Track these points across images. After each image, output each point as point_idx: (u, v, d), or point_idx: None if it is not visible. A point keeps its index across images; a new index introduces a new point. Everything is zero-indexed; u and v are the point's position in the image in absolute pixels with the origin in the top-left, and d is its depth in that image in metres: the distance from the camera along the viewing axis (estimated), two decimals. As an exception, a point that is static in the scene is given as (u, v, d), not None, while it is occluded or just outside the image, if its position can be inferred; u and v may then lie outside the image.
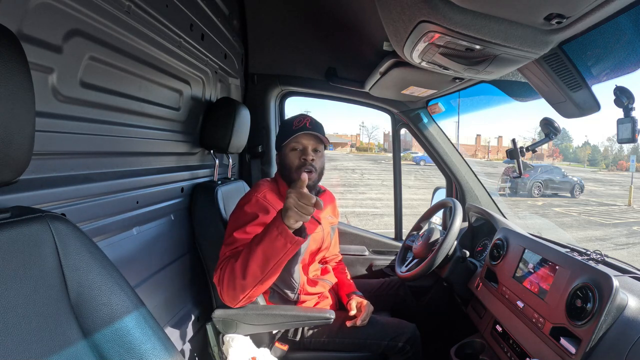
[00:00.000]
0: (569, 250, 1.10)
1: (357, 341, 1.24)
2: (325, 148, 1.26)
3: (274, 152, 1.88)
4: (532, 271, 1.04)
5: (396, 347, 1.23)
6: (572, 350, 0.79)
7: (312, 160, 1.20)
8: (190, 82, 1.27)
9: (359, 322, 1.23)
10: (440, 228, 1.63)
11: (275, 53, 1.76)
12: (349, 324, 1.24)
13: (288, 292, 1.24)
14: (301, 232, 0.94)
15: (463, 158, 1.80)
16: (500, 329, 1.12)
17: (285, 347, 1.24)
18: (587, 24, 0.69)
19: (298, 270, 1.24)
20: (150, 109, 1.05)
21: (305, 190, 0.88)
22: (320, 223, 1.31)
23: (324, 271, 1.44)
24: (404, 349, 1.23)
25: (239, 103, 1.43)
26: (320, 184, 1.43)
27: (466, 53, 0.85)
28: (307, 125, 1.19)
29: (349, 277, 1.48)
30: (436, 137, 1.77)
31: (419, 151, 22.84)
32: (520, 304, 1.02)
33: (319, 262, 1.41)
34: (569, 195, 13.82)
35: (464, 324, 1.41)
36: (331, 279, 1.41)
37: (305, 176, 0.89)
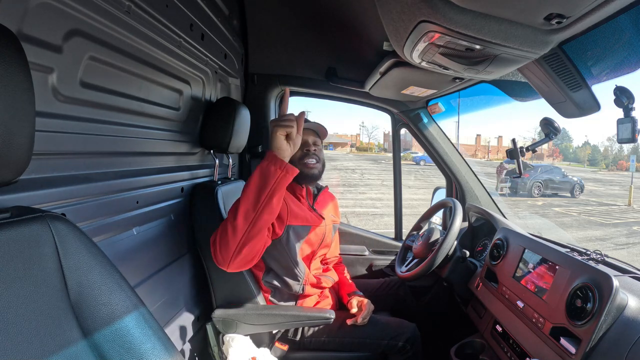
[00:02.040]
0: (569, 250, 1.10)
1: (357, 340, 1.24)
2: (322, 142, 1.30)
3: None
4: (532, 271, 1.04)
5: (396, 347, 1.23)
6: (572, 350, 0.79)
7: (314, 150, 1.24)
8: (190, 82, 1.27)
9: (359, 321, 1.23)
10: (440, 228, 1.62)
11: (275, 53, 1.76)
12: (349, 322, 1.24)
13: (292, 283, 1.23)
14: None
15: (463, 158, 1.80)
16: (500, 329, 1.12)
17: (285, 347, 1.24)
18: (587, 24, 0.69)
19: (301, 261, 1.25)
20: (150, 109, 1.05)
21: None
22: (323, 218, 1.31)
23: (325, 270, 1.45)
24: (404, 349, 1.23)
25: (239, 103, 1.43)
26: (321, 183, 1.43)
27: (466, 53, 0.85)
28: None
29: (349, 277, 1.48)
30: (436, 137, 1.77)
31: (419, 151, 22.86)
32: (520, 303, 1.02)
33: (320, 262, 1.41)
34: (569, 195, 13.83)
35: (464, 324, 1.41)
36: (333, 276, 1.42)
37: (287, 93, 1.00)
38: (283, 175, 0.94)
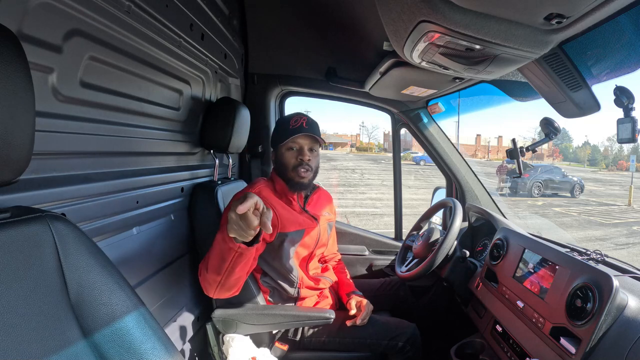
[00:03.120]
0: (569, 250, 1.10)
1: (357, 341, 1.24)
2: (320, 147, 1.29)
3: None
4: (532, 271, 1.04)
5: (396, 347, 1.23)
6: (572, 350, 0.79)
7: (309, 160, 1.23)
8: (190, 82, 1.27)
9: (358, 322, 1.23)
10: (440, 228, 1.62)
11: (275, 53, 1.76)
12: (349, 323, 1.24)
13: (287, 287, 1.24)
14: (255, 239, 0.85)
15: (463, 158, 1.80)
16: (500, 329, 1.12)
17: (285, 347, 1.24)
18: (587, 23, 0.69)
19: (295, 265, 1.24)
20: (150, 109, 1.05)
21: (249, 211, 0.75)
22: (316, 219, 1.31)
23: (324, 270, 1.45)
24: (404, 349, 1.23)
25: (239, 103, 1.43)
26: (320, 184, 1.43)
27: (466, 53, 0.85)
28: (304, 126, 1.21)
29: (348, 277, 1.48)
30: (436, 137, 1.77)
31: (419, 151, 22.86)
32: (520, 303, 1.02)
33: (318, 261, 1.41)
34: (569, 195, 13.83)
35: (464, 324, 1.41)
36: (331, 276, 1.42)
37: (252, 199, 0.75)
38: (238, 254, 0.88)
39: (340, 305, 1.39)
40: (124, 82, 0.91)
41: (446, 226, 1.41)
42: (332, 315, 1.18)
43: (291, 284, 1.24)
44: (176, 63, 1.14)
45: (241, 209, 0.72)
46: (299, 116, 1.24)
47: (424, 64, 1.01)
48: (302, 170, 1.22)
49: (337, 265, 1.51)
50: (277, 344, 1.24)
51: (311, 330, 1.25)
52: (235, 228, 0.78)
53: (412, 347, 1.24)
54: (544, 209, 11.19)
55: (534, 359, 0.90)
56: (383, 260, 1.87)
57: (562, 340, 0.83)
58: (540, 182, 13.60)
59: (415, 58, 0.97)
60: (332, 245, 1.47)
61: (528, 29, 0.72)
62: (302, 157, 1.22)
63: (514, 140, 1.29)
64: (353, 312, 1.26)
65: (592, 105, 0.94)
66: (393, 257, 1.86)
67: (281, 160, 1.24)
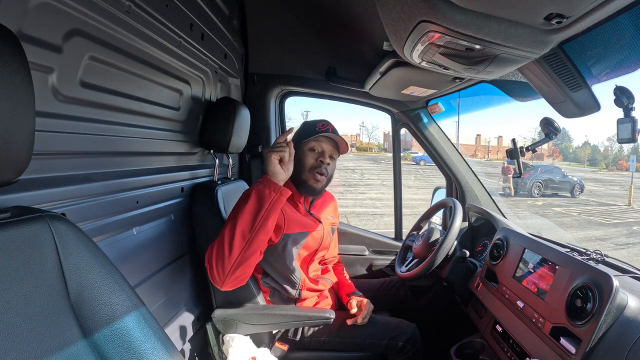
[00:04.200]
0: (569, 250, 1.10)
1: (357, 340, 1.24)
2: (338, 156, 1.29)
3: None
4: (532, 271, 1.04)
5: (396, 347, 1.23)
6: (572, 350, 0.79)
7: (328, 164, 1.23)
8: (190, 82, 1.27)
9: (359, 321, 1.23)
10: (440, 228, 1.62)
11: (275, 53, 1.76)
12: (349, 322, 1.24)
13: (289, 288, 1.24)
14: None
15: (463, 158, 1.80)
16: (500, 329, 1.12)
17: (285, 347, 1.24)
18: (587, 23, 0.69)
19: (297, 266, 1.25)
20: (150, 109, 1.05)
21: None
22: (321, 222, 1.31)
23: (324, 271, 1.45)
24: (404, 349, 1.23)
25: (239, 103, 1.43)
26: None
27: (466, 53, 0.85)
28: (330, 131, 1.22)
29: (348, 278, 1.48)
30: (436, 137, 1.77)
31: (419, 151, 22.86)
32: (520, 303, 1.02)
33: (318, 263, 1.41)
34: (569, 195, 13.83)
35: (464, 323, 1.41)
36: (331, 277, 1.42)
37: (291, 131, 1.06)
38: (277, 197, 0.99)
39: (340, 306, 1.39)
40: (124, 82, 0.91)
41: (446, 226, 1.41)
42: (332, 315, 1.18)
43: (293, 285, 1.24)
44: (176, 63, 1.14)
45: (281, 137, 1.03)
46: (326, 122, 1.25)
47: (424, 64, 1.01)
48: (319, 174, 1.21)
49: (336, 267, 1.51)
50: (277, 344, 1.24)
51: (311, 330, 1.25)
52: (275, 150, 0.99)
53: (412, 347, 1.24)
54: (544, 209, 11.19)
55: (534, 359, 0.90)
56: (383, 260, 1.87)
57: (562, 340, 0.83)
58: (540, 182, 13.61)
59: (415, 58, 0.97)
60: (333, 249, 1.48)
61: (528, 29, 0.72)
62: (323, 159, 1.22)
63: (514, 140, 1.29)
64: (354, 311, 1.26)
65: (592, 105, 0.94)
66: (393, 257, 1.86)
67: (300, 158, 1.22)
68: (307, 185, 1.23)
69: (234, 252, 0.96)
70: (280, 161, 1.01)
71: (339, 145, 1.26)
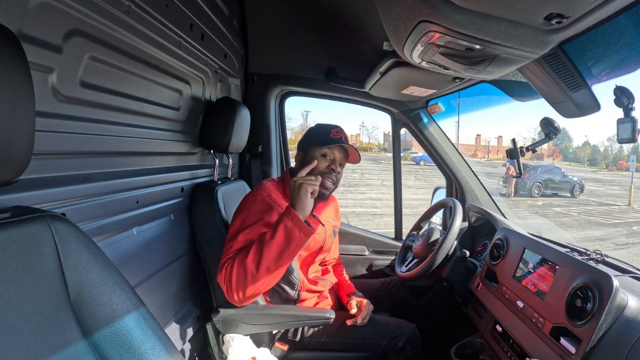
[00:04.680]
0: (569, 250, 1.10)
1: (356, 341, 1.24)
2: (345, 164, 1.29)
3: (274, 152, 1.87)
4: (532, 271, 1.04)
5: (396, 347, 1.23)
6: (572, 350, 0.79)
7: (338, 173, 1.24)
8: (190, 82, 1.27)
9: (359, 321, 1.23)
10: (440, 228, 1.62)
11: (275, 53, 1.76)
12: (349, 322, 1.24)
13: (288, 289, 1.24)
14: (308, 225, 1.00)
15: (463, 158, 1.80)
16: (500, 329, 1.12)
17: (285, 347, 1.24)
18: (587, 23, 0.69)
19: (296, 267, 1.24)
20: (150, 109, 1.05)
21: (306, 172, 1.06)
22: (323, 224, 1.31)
23: (324, 272, 1.44)
24: (403, 349, 1.23)
25: (239, 103, 1.43)
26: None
27: (466, 53, 0.85)
28: (344, 140, 1.22)
29: (347, 279, 1.48)
30: (436, 137, 1.77)
31: (419, 151, 22.83)
32: (520, 303, 1.02)
33: (319, 264, 1.41)
34: (569, 195, 13.83)
35: (464, 324, 1.41)
36: (331, 278, 1.42)
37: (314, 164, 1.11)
38: (304, 238, 0.99)
39: (340, 306, 1.39)
40: (124, 82, 0.91)
41: (446, 226, 1.41)
42: (332, 315, 1.17)
43: (292, 285, 1.24)
44: (176, 63, 1.13)
45: (307, 169, 1.06)
46: (339, 129, 1.24)
47: (424, 64, 1.01)
48: (329, 181, 1.21)
49: (336, 267, 1.51)
50: (277, 344, 1.24)
51: (311, 330, 1.25)
52: (307, 183, 1.01)
53: (412, 347, 1.24)
54: (544, 209, 11.19)
55: (534, 359, 0.90)
56: (383, 260, 1.87)
57: (562, 340, 0.83)
58: (540, 182, 13.60)
59: (415, 58, 0.97)
60: (334, 251, 1.48)
61: (528, 29, 0.72)
62: (334, 167, 1.22)
63: (514, 140, 1.29)
64: (354, 311, 1.26)
65: (592, 105, 0.94)
66: (393, 257, 1.86)
67: (312, 161, 1.20)
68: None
69: (257, 282, 0.98)
70: (311, 194, 1.02)
71: (350, 155, 1.26)
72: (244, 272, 0.97)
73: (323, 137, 1.21)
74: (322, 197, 1.23)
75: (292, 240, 0.97)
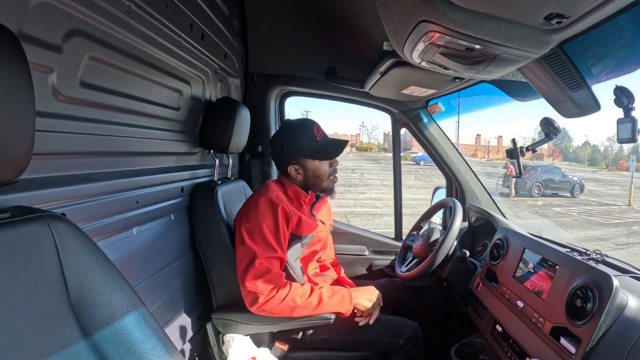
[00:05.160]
0: (569, 250, 1.10)
1: (357, 338, 1.24)
2: None
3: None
4: (532, 271, 1.04)
5: (397, 345, 1.23)
6: (572, 350, 0.79)
7: (337, 165, 1.31)
8: (190, 82, 1.27)
9: (371, 321, 1.24)
10: (440, 228, 1.62)
11: (275, 53, 1.76)
12: (361, 324, 1.24)
13: None
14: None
15: (463, 158, 1.80)
16: (500, 329, 1.12)
17: (285, 347, 1.24)
18: (587, 23, 0.69)
19: (298, 265, 1.25)
20: (150, 109, 1.05)
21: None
22: (323, 223, 1.32)
23: (323, 268, 1.45)
24: (405, 346, 1.23)
25: (239, 103, 1.43)
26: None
27: (466, 53, 0.85)
28: (326, 136, 1.27)
29: (347, 278, 1.49)
30: (436, 137, 1.77)
31: (419, 151, 22.85)
32: (520, 303, 1.02)
33: (316, 261, 1.41)
34: (569, 195, 13.83)
35: (464, 323, 1.41)
36: (332, 274, 1.42)
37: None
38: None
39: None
40: (124, 82, 0.91)
41: (446, 226, 1.41)
42: (332, 315, 1.18)
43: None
44: (176, 63, 1.13)
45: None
46: (317, 126, 1.26)
47: (424, 64, 1.01)
48: (334, 176, 1.30)
49: (336, 268, 1.51)
50: (277, 344, 1.24)
51: (312, 329, 1.25)
52: (371, 311, 1.25)
53: (413, 345, 1.24)
54: (544, 209, 11.19)
55: (534, 359, 0.90)
56: (383, 260, 1.87)
57: (562, 340, 0.83)
58: (540, 182, 13.61)
59: (415, 58, 0.97)
60: (330, 249, 1.49)
61: (528, 29, 0.72)
62: (336, 166, 1.30)
63: (514, 140, 1.29)
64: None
65: (592, 105, 0.94)
66: (393, 257, 1.86)
67: (317, 173, 1.25)
68: (329, 189, 1.31)
69: (290, 316, 1.14)
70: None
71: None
72: (288, 311, 1.11)
73: (315, 144, 1.22)
74: (330, 191, 1.32)
75: (335, 309, 1.18)
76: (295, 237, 1.21)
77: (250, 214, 1.14)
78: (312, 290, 1.16)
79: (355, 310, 1.28)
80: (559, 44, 0.81)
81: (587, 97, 0.92)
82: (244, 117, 1.45)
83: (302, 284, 1.25)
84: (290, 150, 1.23)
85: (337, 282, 1.44)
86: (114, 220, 0.91)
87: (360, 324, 1.24)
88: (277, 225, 1.13)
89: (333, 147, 1.24)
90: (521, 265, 1.10)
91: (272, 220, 1.13)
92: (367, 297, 1.24)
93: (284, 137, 1.24)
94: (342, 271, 1.52)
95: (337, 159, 1.28)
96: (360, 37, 1.51)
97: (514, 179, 13.36)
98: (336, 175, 1.30)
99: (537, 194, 13.45)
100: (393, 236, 1.97)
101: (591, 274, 0.84)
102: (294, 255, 1.23)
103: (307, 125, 1.23)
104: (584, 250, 1.09)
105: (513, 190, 13.62)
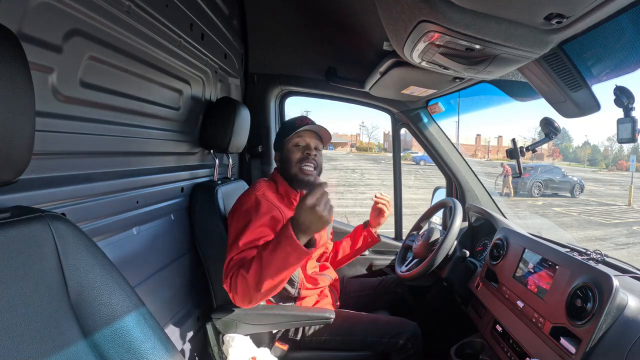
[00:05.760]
0: (569, 250, 1.10)
1: (357, 338, 1.23)
2: (324, 147, 1.30)
3: (273, 152, 1.87)
4: (532, 271, 1.04)
5: (397, 345, 1.22)
6: (572, 350, 0.79)
7: (315, 155, 1.24)
8: (190, 82, 1.27)
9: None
10: (440, 228, 1.62)
11: (275, 53, 1.76)
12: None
13: (288, 287, 1.24)
14: (310, 242, 0.92)
15: (463, 158, 1.80)
16: (500, 329, 1.12)
17: (285, 347, 1.24)
18: (587, 23, 0.69)
19: None
20: (151, 109, 1.05)
21: (320, 204, 0.86)
22: None
23: (322, 268, 1.45)
24: (405, 347, 1.22)
25: (239, 103, 1.43)
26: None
27: (466, 53, 0.85)
28: (309, 124, 1.23)
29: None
30: (436, 136, 1.77)
31: (419, 151, 22.84)
32: (520, 303, 1.02)
33: (316, 260, 1.41)
34: (569, 195, 13.83)
35: (464, 323, 1.41)
36: (330, 274, 1.42)
37: (321, 189, 0.88)
38: (304, 260, 0.95)
39: (340, 304, 1.39)
40: (124, 82, 0.91)
41: (446, 226, 1.41)
42: (332, 315, 1.17)
43: (292, 284, 1.24)
44: (176, 63, 1.14)
45: (311, 200, 0.85)
46: (303, 117, 1.27)
47: (424, 64, 1.01)
48: (307, 166, 1.21)
49: (335, 244, 1.54)
50: (277, 344, 1.24)
51: (312, 329, 1.25)
52: (318, 215, 0.85)
53: (413, 345, 1.23)
54: (544, 209, 11.19)
55: (534, 359, 0.90)
56: (383, 260, 1.87)
57: (562, 340, 0.83)
58: (540, 182, 13.60)
59: (415, 58, 0.97)
60: (328, 244, 1.48)
61: (528, 29, 0.72)
62: (309, 151, 1.22)
63: (514, 140, 1.29)
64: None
65: (592, 105, 0.94)
66: (393, 257, 1.86)
67: (286, 156, 1.24)
68: (298, 179, 1.22)
69: (260, 293, 0.94)
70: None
71: (322, 136, 1.28)
72: (247, 286, 0.94)
73: (290, 127, 1.25)
74: (307, 182, 1.21)
75: (289, 263, 0.91)
76: None
77: (235, 214, 1.13)
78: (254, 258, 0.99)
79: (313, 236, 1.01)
80: (559, 44, 0.81)
81: (587, 97, 0.93)
82: (244, 117, 1.45)
83: (299, 283, 1.25)
84: (277, 137, 1.30)
85: (335, 282, 1.44)
86: (114, 220, 0.91)
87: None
88: (258, 223, 1.07)
89: (300, 127, 1.22)
90: (521, 265, 1.10)
91: (254, 219, 1.07)
92: (303, 227, 0.90)
93: (279, 129, 1.33)
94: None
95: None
96: (360, 37, 1.51)
97: (510, 178, 13.35)
98: (308, 164, 1.20)
99: (537, 194, 13.45)
100: (393, 236, 1.97)
101: (591, 274, 0.84)
102: None
103: (294, 118, 1.29)
104: (584, 250, 1.09)
105: (512, 190, 13.61)
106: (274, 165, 1.87)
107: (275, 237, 0.92)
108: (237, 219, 1.11)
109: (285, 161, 1.24)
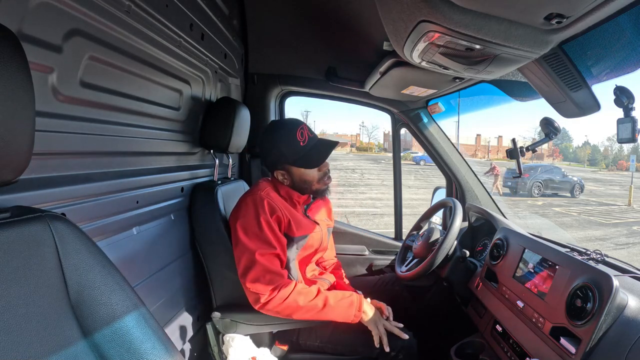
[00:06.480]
0: (569, 250, 1.10)
1: (348, 348, 1.22)
2: None
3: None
4: (532, 271, 1.04)
5: (389, 356, 1.17)
6: (572, 350, 0.79)
7: (328, 168, 1.27)
8: (190, 82, 1.27)
9: (383, 338, 1.15)
10: (440, 228, 1.62)
11: (275, 53, 1.76)
12: (385, 346, 1.15)
13: None
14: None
15: (463, 158, 1.80)
16: (500, 329, 1.12)
17: (285, 347, 1.24)
18: (587, 23, 0.69)
19: (295, 266, 1.24)
20: (150, 109, 1.05)
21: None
22: (317, 224, 1.31)
23: (322, 272, 1.44)
24: (396, 358, 1.17)
25: (239, 103, 1.43)
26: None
27: (466, 53, 0.85)
28: (314, 137, 1.24)
29: (347, 283, 1.47)
30: (436, 136, 1.77)
31: (419, 151, 22.84)
32: (520, 303, 1.02)
33: (315, 264, 1.41)
34: (569, 195, 13.84)
35: (464, 323, 1.41)
36: (329, 278, 1.41)
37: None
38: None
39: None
40: (124, 82, 0.91)
41: (446, 226, 1.41)
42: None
43: None
44: (176, 63, 1.14)
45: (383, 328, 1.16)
46: (303, 128, 1.22)
47: (424, 63, 1.01)
48: (327, 178, 1.26)
49: (336, 272, 1.49)
50: (277, 344, 1.24)
51: (305, 334, 1.24)
52: (377, 329, 1.15)
53: (405, 356, 1.17)
54: (544, 209, 11.19)
55: (534, 359, 0.90)
56: (383, 260, 1.87)
57: (562, 340, 0.83)
58: (540, 182, 13.61)
59: (415, 58, 0.97)
60: (330, 250, 1.48)
61: (528, 29, 0.72)
62: (327, 169, 1.26)
63: (514, 140, 1.29)
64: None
65: (592, 105, 0.94)
66: (393, 257, 1.86)
67: (304, 178, 1.22)
68: (320, 191, 1.27)
69: (292, 319, 1.13)
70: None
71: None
72: (290, 311, 1.10)
73: (299, 151, 1.19)
74: (323, 193, 1.29)
75: (341, 317, 1.14)
76: (287, 238, 1.19)
77: (241, 213, 1.14)
78: (318, 292, 1.13)
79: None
80: (559, 44, 0.81)
81: (587, 97, 0.92)
82: (244, 117, 1.45)
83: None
84: (274, 156, 1.22)
85: (334, 287, 1.40)
86: (114, 220, 0.91)
87: (376, 342, 1.15)
88: (269, 222, 1.12)
89: (318, 153, 1.20)
90: (521, 265, 1.10)
91: (264, 218, 1.12)
92: (372, 306, 1.18)
93: (266, 144, 1.23)
94: (343, 275, 1.51)
95: (336, 159, 1.26)
96: (360, 37, 1.51)
97: (500, 179, 13.30)
98: (329, 176, 1.27)
99: (537, 194, 13.45)
100: (393, 236, 1.97)
101: (591, 274, 0.84)
102: (289, 256, 1.22)
103: (290, 130, 1.20)
104: (584, 250, 1.09)
105: (500, 191, 13.49)
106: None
107: (350, 297, 1.16)
108: (248, 218, 1.12)
109: (302, 182, 1.23)
